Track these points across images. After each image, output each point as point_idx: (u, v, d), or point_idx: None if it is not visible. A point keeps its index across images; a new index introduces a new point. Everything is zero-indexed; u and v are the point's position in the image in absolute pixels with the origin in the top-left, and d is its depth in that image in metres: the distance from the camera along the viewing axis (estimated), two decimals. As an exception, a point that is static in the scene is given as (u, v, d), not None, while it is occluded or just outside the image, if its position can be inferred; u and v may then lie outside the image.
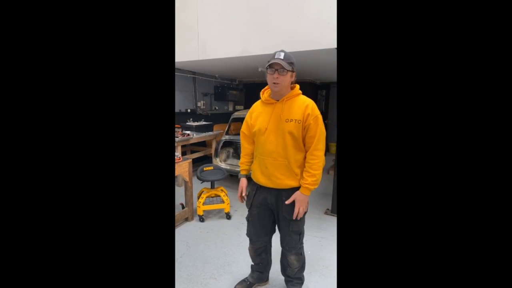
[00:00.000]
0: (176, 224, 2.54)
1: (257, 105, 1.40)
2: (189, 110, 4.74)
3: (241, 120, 3.54)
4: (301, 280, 1.58)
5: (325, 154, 6.12)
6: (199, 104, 5.00)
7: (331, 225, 2.65)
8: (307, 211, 1.37)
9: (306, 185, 1.27)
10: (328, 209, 2.98)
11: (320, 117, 1.27)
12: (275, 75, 1.21)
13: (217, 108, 5.49)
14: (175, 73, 4.39)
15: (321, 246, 2.25)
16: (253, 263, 1.65)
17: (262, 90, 1.38)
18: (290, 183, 1.31)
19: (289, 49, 2.77)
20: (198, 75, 4.89)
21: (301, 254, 1.50)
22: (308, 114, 1.24)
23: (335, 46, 2.49)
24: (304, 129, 1.25)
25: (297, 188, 1.32)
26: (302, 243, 1.48)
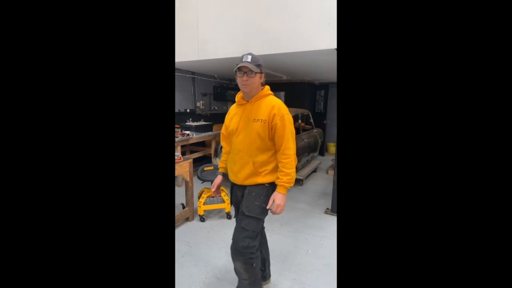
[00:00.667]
0: (176, 224, 2.54)
1: (233, 107, 1.47)
2: (188, 110, 4.74)
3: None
4: None
5: (324, 154, 6.10)
6: (198, 104, 5.00)
7: (331, 224, 2.65)
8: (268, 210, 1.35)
9: (282, 184, 1.30)
10: (328, 209, 2.99)
11: (287, 117, 1.29)
12: (244, 78, 1.26)
13: (216, 108, 5.49)
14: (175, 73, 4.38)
15: (321, 245, 2.26)
16: None
17: (238, 93, 1.42)
18: (254, 179, 1.35)
19: (289, 49, 2.79)
20: (197, 75, 4.89)
21: (252, 265, 1.33)
22: (274, 114, 1.28)
23: (335, 46, 2.49)
24: (272, 129, 1.29)
25: (260, 184, 1.34)
26: (253, 252, 1.31)
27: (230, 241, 1.38)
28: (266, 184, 1.35)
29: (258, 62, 1.28)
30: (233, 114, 1.42)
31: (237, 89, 6.25)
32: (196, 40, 3.42)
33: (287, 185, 1.30)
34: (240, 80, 1.28)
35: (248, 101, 1.34)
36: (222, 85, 5.47)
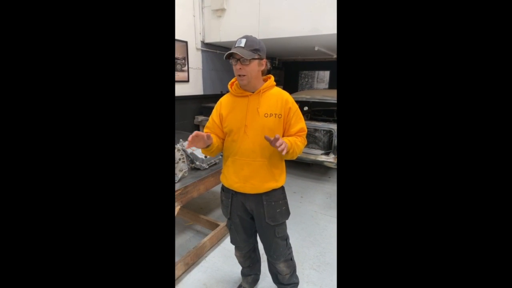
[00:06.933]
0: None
1: (226, 100, 1.21)
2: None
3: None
4: (295, 283, 1.48)
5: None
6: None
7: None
8: (288, 214, 1.28)
9: (291, 144, 1.10)
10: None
11: (299, 111, 1.21)
12: (238, 66, 1.06)
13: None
14: (216, 51, 4.18)
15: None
16: (242, 268, 1.54)
17: (230, 82, 1.22)
18: (269, 185, 1.19)
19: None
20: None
21: (291, 259, 1.38)
22: (290, 108, 1.14)
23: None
24: (287, 123, 1.17)
25: (276, 189, 1.21)
26: (290, 247, 1.36)
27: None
28: (279, 187, 1.23)
29: (254, 46, 1.06)
30: (231, 108, 1.18)
31: (277, 69, 5.94)
32: (257, 16, 3.19)
33: (292, 150, 1.10)
34: (235, 70, 1.10)
35: (254, 92, 1.14)
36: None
